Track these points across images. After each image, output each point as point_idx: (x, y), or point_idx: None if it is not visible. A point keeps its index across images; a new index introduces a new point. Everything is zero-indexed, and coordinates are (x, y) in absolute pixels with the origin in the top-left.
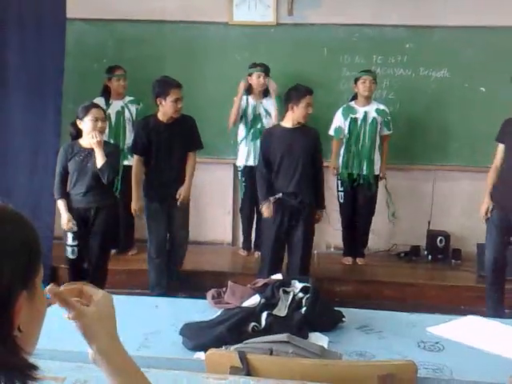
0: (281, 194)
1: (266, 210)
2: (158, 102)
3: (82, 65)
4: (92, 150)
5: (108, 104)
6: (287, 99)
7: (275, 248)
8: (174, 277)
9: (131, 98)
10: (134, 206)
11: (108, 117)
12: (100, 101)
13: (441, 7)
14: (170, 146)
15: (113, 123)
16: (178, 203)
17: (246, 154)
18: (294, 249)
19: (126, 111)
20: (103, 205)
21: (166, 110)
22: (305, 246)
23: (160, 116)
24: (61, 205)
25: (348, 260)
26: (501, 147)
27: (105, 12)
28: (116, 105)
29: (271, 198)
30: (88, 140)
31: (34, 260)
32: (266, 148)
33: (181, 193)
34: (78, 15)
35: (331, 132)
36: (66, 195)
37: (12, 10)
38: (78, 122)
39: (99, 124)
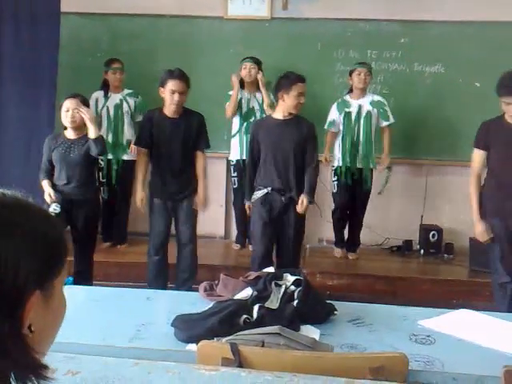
0: (269, 189)
1: (248, 209)
2: (161, 92)
3: (77, 59)
4: (74, 140)
5: (107, 97)
6: (277, 88)
7: (263, 243)
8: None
9: (130, 91)
10: (136, 198)
11: (106, 110)
12: (99, 94)
13: (436, 2)
14: (172, 142)
15: (111, 116)
16: (199, 210)
17: (239, 148)
18: (284, 246)
19: (125, 104)
20: (85, 197)
21: (166, 101)
22: (295, 243)
23: (165, 110)
24: (45, 183)
25: (338, 252)
26: (480, 153)
27: (99, 6)
28: (114, 98)
29: (258, 193)
30: (70, 131)
31: (54, 261)
32: (255, 141)
33: (197, 202)
34: (72, 9)
35: (326, 126)
36: (50, 178)
37: (6, 2)
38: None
39: (69, 114)
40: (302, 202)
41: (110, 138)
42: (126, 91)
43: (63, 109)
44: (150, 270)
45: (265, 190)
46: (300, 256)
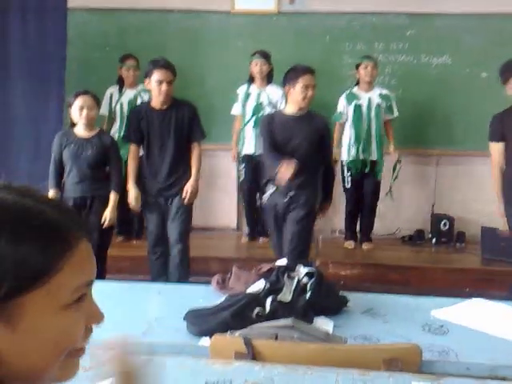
0: (276, 188)
1: (286, 168)
2: (146, 84)
3: (85, 54)
4: (87, 139)
5: (121, 93)
6: (284, 82)
7: (277, 237)
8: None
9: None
10: (129, 197)
11: (120, 106)
12: (114, 89)
13: None
14: (163, 135)
15: (125, 112)
16: (186, 201)
17: (246, 142)
18: (287, 245)
19: (139, 100)
20: (98, 194)
21: (153, 93)
22: (296, 242)
23: (153, 102)
24: (51, 195)
25: (350, 244)
26: (498, 146)
27: (107, 1)
28: (129, 93)
29: (267, 194)
30: (81, 129)
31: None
32: (268, 133)
33: (187, 189)
34: (79, 4)
35: (333, 119)
36: (59, 185)
37: None
38: (69, 110)
39: (85, 112)
40: (325, 209)
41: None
42: (141, 87)
43: (76, 106)
44: (151, 270)
45: (271, 190)
46: (307, 256)
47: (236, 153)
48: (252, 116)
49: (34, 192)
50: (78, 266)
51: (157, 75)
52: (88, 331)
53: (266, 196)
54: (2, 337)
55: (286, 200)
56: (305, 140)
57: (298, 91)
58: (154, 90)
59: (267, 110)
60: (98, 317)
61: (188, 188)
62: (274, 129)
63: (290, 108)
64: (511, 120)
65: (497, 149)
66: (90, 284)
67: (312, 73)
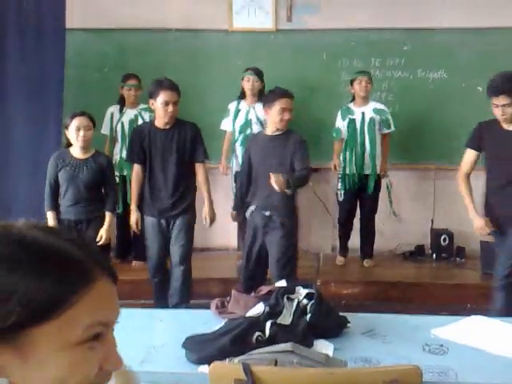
0: (254, 207)
1: (232, 217)
2: (151, 104)
3: (83, 74)
4: (82, 160)
5: (122, 112)
6: (264, 103)
7: (247, 261)
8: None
9: (145, 106)
10: (131, 220)
11: (121, 125)
12: (115, 108)
13: (437, 10)
14: (164, 154)
15: (126, 131)
16: (208, 226)
17: (236, 160)
18: (271, 267)
19: (140, 119)
20: (94, 216)
21: (158, 113)
22: (282, 265)
23: (156, 122)
24: (49, 217)
25: (340, 260)
26: (471, 153)
27: (105, 21)
28: (130, 113)
29: (247, 212)
30: (78, 150)
31: (23, 314)
32: (247, 156)
33: (205, 216)
34: (77, 25)
35: (334, 134)
36: (55, 207)
37: (12, 20)
38: (66, 131)
39: (81, 133)
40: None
41: (124, 154)
42: (142, 106)
43: (72, 127)
44: (154, 292)
45: (251, 208)
46: (295, 272)
47: (225, 167)
48: (240, 134)
49: (60, 231)
50: (93, 303)
51: (162, 97)
52: (105, 374)
53: (247, 213)
54: (12, 366)
55: (262, 219)
56: (278, 159)
57: (274, 114)
58: (159, 111)
59: (255, 128)
60: (113, 362)
61: (207, 215)
62: (252, 151)
63: (269, 128)
64: (490, 132)
65: (468, 156)
66: (107, 324)
67: (290, 97)
